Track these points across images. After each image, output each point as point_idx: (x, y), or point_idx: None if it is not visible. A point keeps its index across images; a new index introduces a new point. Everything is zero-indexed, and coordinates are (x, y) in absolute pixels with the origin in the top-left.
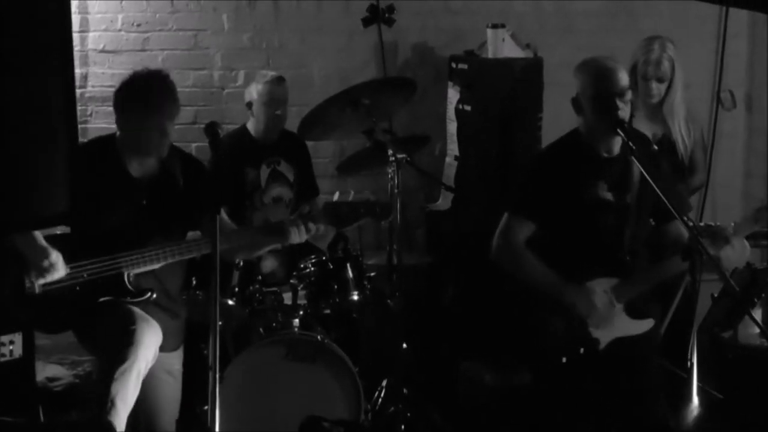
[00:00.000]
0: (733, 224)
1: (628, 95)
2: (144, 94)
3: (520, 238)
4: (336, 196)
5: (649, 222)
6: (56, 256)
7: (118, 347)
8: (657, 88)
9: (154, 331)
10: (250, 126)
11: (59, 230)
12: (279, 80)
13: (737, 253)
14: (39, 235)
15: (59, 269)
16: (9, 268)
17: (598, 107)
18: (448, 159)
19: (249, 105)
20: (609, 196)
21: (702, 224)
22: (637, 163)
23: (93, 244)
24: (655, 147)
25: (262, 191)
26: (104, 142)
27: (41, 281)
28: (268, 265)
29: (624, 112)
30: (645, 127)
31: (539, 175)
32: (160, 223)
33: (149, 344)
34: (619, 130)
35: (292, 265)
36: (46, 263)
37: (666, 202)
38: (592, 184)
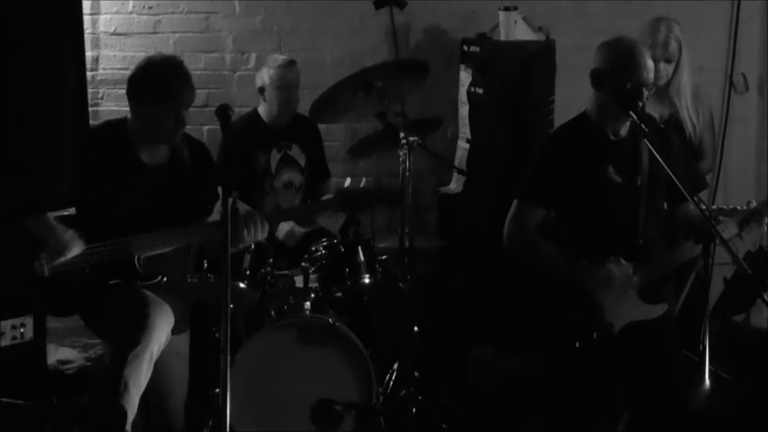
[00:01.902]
0: (755, 203)
1: (652, 89)
2: (160, 82)
3: (531, 224)
4: (347, 182)
5: (663, 205)
6: (70, 236)
7: (131, 330)
8: (665, 69)
9: (166, 315)
10: (262, 110)
11: (67, 212)
12: (290, 64)
13: (755, 235)
14: (51, 216)
15: (74, 248)
16: (19, 251)
17: (623, 91)
18: (460, 142)
19: (261, 90)
20: (618, 178)
21: (714, 207)
22: (650, 146)
23: (103, 229)
24: (662, 126)
25: (272, 176)
26: (115, 126)
27: (54, 262)
28: (284, 228)
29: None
30: (653, 109)
31: (547, 161)
32: (169, 209)
33: (162, 327)
34: (631, 113)
35: (308, 231)
36: (59, 243)
37: (678, 184)
38: (601, 167)
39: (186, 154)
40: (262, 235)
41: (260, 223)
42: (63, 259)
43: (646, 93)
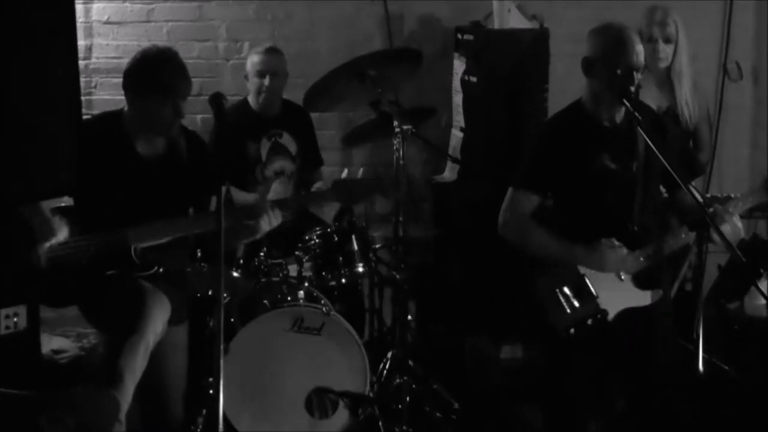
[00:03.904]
0: (739, 194)
1: (644, 73)
2: (156, 74)
3: (526, 211)
4: (344, 173)
5: (659, 192)
6: (58, 221)
7: (127, 320)
8: (664, 50)
9: (163, 305)
10: (250, 99)
11: (64, 202)
12: (271, 50)
13: (730, 232)
14: (44, 204)
15: (60, 233)
16: (16, 240)
17: (613, 76)
18: (453, 131)
19: (246, 77)
20: (613, 166)
21: (708, 195)
22: (644, 134)
23: (100, 220)
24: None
25: (263, 165)
26: (112, 118)
27: (44, 247)
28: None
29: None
30: (650, 99)
31: (542, 148)
32: (165, 200)
33: (158, 318)
34: (624, 100)
35: (296, 234)
36: (47, 229)
37: (672, 172)
38: (596, 155)
39: (182, 145)
40: (275, 223)
41: (273, 212)
42: (53, 242)
43: (638, 77)
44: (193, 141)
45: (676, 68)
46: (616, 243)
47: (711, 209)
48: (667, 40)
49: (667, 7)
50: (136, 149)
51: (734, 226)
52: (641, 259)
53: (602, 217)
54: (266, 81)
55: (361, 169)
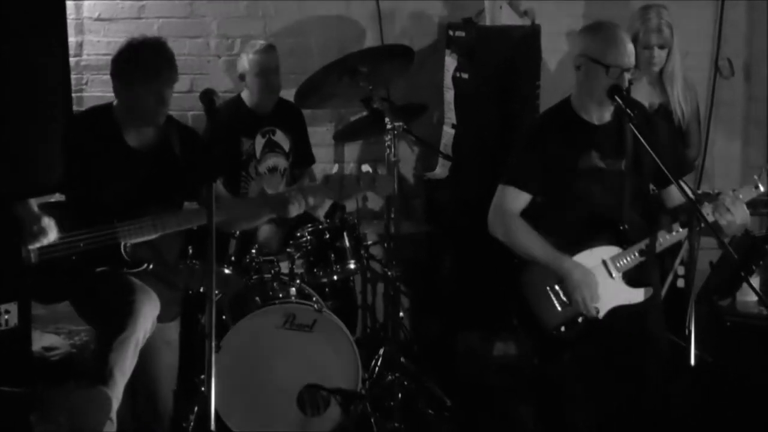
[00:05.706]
0: (732, 191)
1: (634, 73)
2: (139, 61)
3: (515, 209)
4: (335, 169)
5: (648, 189)
6: (47, 221)
7: (116, 317)
8: (659, 56)
9: (152, 302)
10: (245, 96)
11: (54, 198)
12: (268, 48)
13: (738, 220)
14: (33, 202)
15: (50, 234)
16: (7, 237)
17: (604, 75)
18: (445, 127)
19: (242, 77)
20: (601, 164)
21: (700, 192)
22: (636, 131)
23: (90, 214)
24: (651, 113)
25: (257, 161)
26: (101, 111)
27: (33, 246)
28: (264, 232)
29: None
30: (644, 97)
31: (531, 145)
32: (157, 193)
33: (148, 315)
34: (616, 97)
35: (288, 235)
36: (36, 228)
37: (664, 169)
38: (584, 152)
39: (175, 138)
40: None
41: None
42: (40, 243)
43: (628, 76)
44: (187, 134)
45: (669, 70)
46: (607, 255)
47: (718, 198)
48: (661, 47)
49: (660, 7)
50: (125, 141)
51: (743, 213)
52: (633, 256)
53: (590, 215)
54: (268, 80)
55: (352, 164)
